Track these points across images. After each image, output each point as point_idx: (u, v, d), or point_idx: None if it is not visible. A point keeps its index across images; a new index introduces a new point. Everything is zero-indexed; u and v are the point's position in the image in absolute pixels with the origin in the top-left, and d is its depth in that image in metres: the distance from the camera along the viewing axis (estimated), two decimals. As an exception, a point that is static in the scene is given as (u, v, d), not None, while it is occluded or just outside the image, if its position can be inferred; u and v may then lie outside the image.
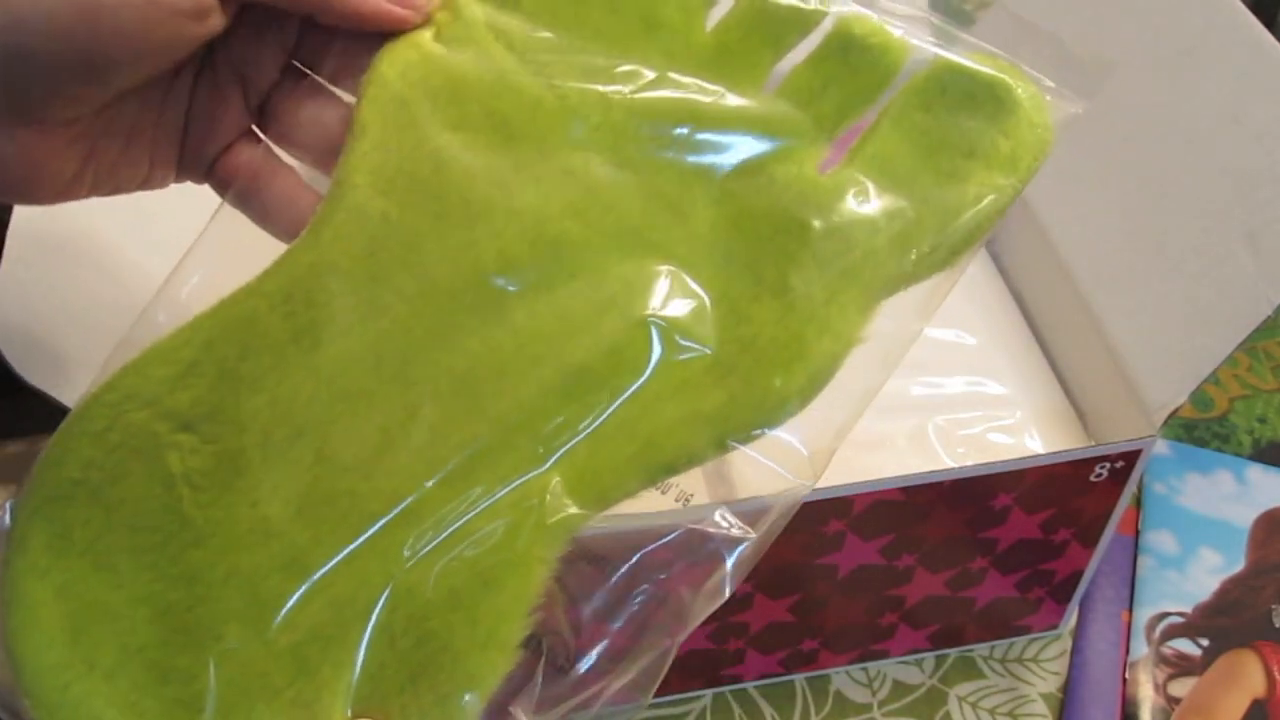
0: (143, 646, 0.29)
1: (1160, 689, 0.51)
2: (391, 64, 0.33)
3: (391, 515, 0.30)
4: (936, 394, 0.51)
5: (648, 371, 0.31)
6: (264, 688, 0.29)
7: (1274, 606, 0.53)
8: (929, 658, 0.53)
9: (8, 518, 0.31)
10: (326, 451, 0.30)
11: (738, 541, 0.32)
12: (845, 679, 0.52)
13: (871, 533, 0.44)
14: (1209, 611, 0.53)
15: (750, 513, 0.33)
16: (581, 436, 0.30)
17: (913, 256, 0.32)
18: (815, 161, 0.33)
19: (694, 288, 0.32)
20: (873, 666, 0.52)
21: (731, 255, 0.32)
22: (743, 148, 0.33)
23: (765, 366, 0.31)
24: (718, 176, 0.33)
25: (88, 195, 0.34)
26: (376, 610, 0.29)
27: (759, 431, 0.31)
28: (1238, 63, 0.44)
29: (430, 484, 0.30)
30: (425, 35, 0.33)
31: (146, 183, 0.35)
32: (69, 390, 0.39)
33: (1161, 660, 0.51)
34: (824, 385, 0.32)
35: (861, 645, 0.51)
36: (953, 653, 0.53)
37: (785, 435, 0.32)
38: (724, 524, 0.32)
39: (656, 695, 0.51)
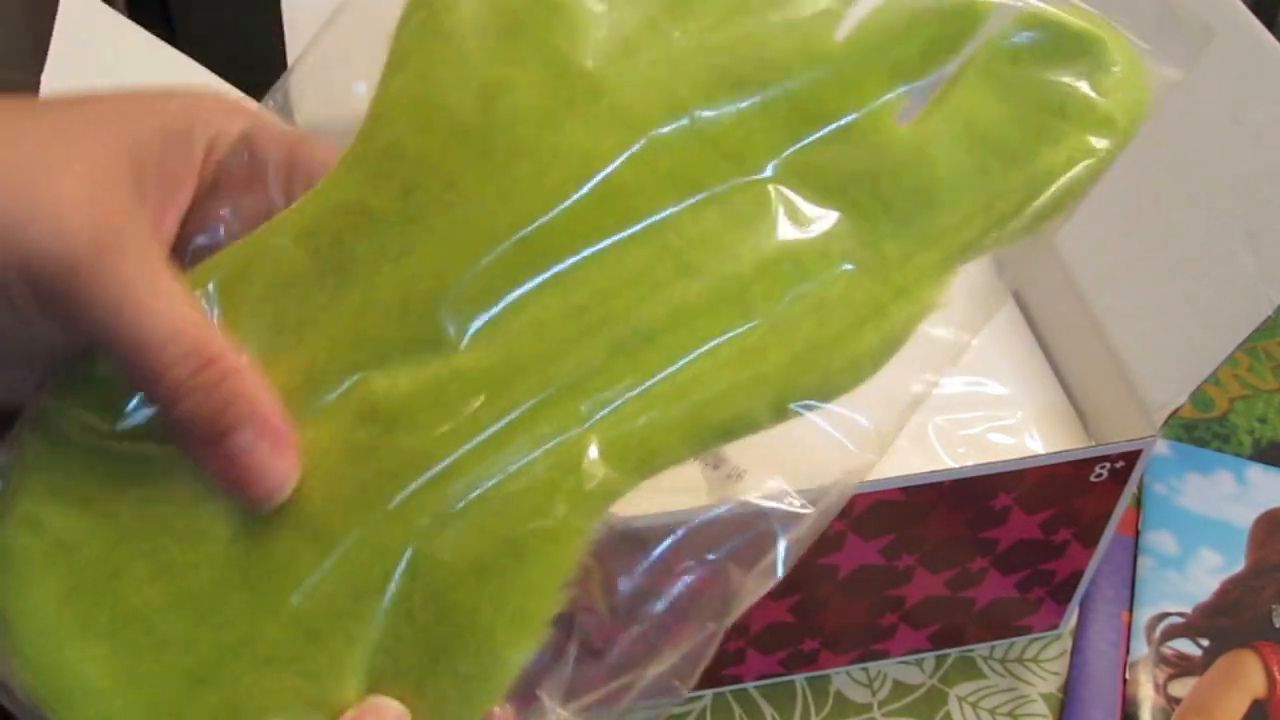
0: (142, 609, 0.28)
1: (1160, 689, 0.51)
2: None
3: (421, 480, 0.27)
4: (936, 394, 0.51)
5: (704, 331, 0.28)
6: (269, 658, 0.27)
7: (1274, 607, 0.53)
8: (929, 658, 0.53)
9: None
10: (347, 400, 0.28)
11: (794, 518, 0.30)
12: (845, 679, 0.52)
13: (872, 533, 0.44)
14: (1209, 611, 0.53)
15: (807, 489, 0.30)
16: (628, 397, 0.28)
17: (997, 220, 0.30)
18: (893, 112, 0.30)
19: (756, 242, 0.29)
20: (873, 666, 0.52)
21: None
22: (812, 93, 0.30)
23: (833, 328, 0.29)
24: (783, 124, 0.30)
25: None
26: (394, 580, 0.27)
27: (822, 399, 0.29)
28: (1238, 63, 0.44)
29: (466, 448, 0.28)
30: None
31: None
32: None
33: (1162, 660, 0.51)
34: (895, 351, 0.29)
35: (862, 645, 0.51)
36: (953, 653, 0.53)
37: (849, 406, 0.30)
38: (779, 500, 0.30)
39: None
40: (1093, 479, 0.45)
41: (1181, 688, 0.51)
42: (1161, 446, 0.59)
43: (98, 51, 0.50)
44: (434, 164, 0.29)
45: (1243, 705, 0.50)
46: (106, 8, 0.49)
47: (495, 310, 0.28)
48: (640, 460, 0.28)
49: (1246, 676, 0.51)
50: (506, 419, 0.28)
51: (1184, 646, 0.52)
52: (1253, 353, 0.64)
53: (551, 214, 0.29)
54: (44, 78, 0.53)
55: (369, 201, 0.29)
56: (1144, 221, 0.47)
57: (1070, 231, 0.52)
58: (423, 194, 0.29)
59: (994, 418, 0.50)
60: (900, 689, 0.52)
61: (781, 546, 0.30)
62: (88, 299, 0.26)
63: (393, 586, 0.27)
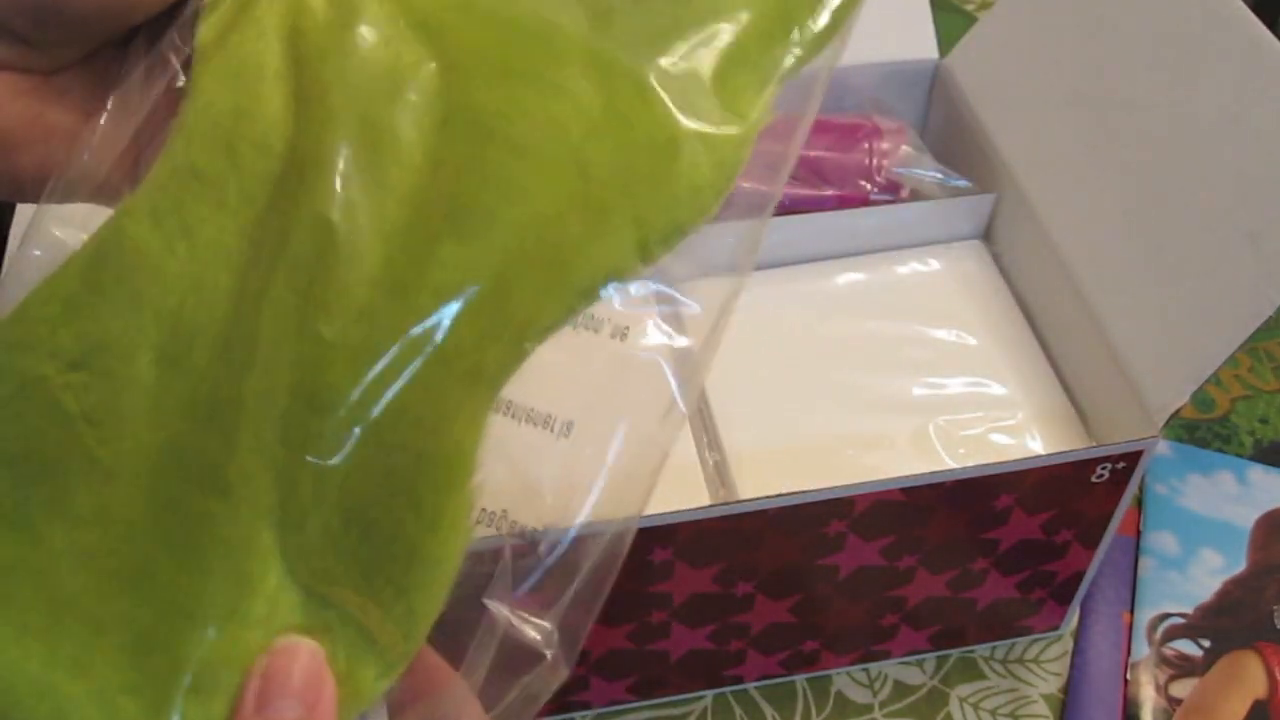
0: (73, 599, 0.28)
1: (1161, 690, 0.50)
2: None
3: (302, 409, 0.27)
4: (937, 394, 0.51)
5: (539, 187, 0.29)
6: (208, 612, 0.27)
7: (1275, 607, 0.53)
8: (930, 658, 0.53)
9: None
10: (220, 354, 0.28)
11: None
12: (846, 680, 0.52)
13: (872, 533, 0.44)
14: (1210, 612, 0.53)
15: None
16: (481, 275, 0.28)
17: (792, 37, 0.31)
18: None
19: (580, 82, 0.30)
20: (874, 667, 0.52)
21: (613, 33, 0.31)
22: None
23: (668, 162, 0.29)
24: None
25: (32, 189, 0.31)
26: (310, 511, 0.27)
27: (677, 235, 0.29)
28: (1238, 63, 0.44)
29: (333, 372, 0.27)
30: None
31: (100, 191, 0.31)
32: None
33: (1163, 661, 0.51)
34: (735, 173, 0.30)
35: (862, 646, 0.51)
36: (954, 653, 0.53)
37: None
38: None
39: (657, 695, 0.51)
40: (1094, 480, 0.45)
41: (1182, 688, 0.51)
42: (1163, 447, 0.59)
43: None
44: (249, 115, 0.30)
45: (1244, 706, 0.50)
46: (107, 9, 0.49)
47: (313, 234, 0.28)
48: (515, 333, 0.28)
49: (1248, 677, 0.51)
50: (359, 324, 0.28)
51: (1185, 647, 0.52)
52: (1254, 353, 0.64)
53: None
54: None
55: (196, 163, 0.29)
56: (1144, 221, 0.47)
57: (1070, 231, 0.52)
58: (244, 145, 0.29)
59: (995, 418, 0.50)
60: (901, 690, 0.52)
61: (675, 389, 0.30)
62: None
63: (310, 519, 0.27)
